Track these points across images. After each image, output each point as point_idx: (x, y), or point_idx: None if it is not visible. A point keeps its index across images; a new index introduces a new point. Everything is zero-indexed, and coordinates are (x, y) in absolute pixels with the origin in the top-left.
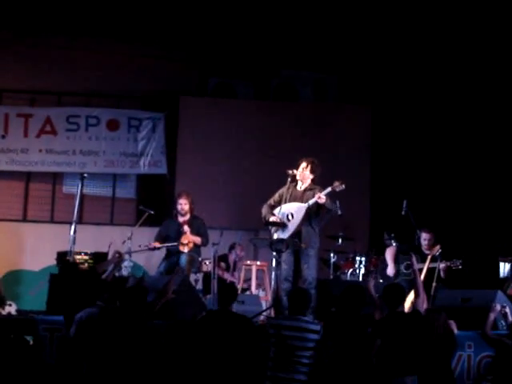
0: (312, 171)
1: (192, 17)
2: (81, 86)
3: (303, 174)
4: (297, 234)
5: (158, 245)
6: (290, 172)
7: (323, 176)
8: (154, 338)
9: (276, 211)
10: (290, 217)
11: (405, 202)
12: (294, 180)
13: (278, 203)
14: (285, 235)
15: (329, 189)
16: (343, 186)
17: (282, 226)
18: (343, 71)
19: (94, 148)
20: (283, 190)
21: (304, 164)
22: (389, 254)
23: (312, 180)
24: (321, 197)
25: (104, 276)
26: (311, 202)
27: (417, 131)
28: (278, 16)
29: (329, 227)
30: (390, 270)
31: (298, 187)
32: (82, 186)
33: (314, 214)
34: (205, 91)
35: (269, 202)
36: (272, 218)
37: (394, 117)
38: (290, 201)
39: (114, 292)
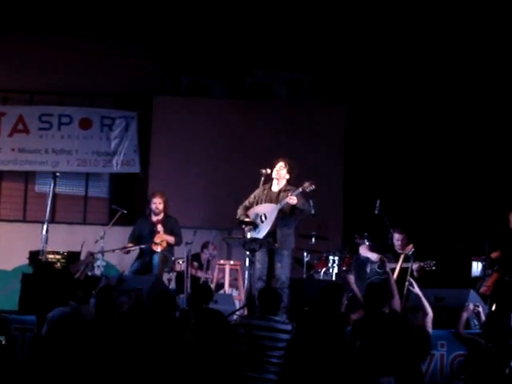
0: (289, 171)
1: (165, 16)
2: (54, 84)
3: (279, 174)
4: (272, 234)
5: (131, 247)
6: (264, 171)
7: (297, 175)
8: (129, 337)
9: (249, 212)
10: (263, 218)
11: (378, 202)
12: (268, 180)
13: (254, 204)
14: (259, 236)
15: (299, 189)
16: (313, 186)
17: (254, 225)
18: (316, 71)
19: (67, 147)
20: (259, 191)
21: (281, 163)
22: (364, 249)
23: (287, 180)
24: (291, 198)
25: (77, 275)
26: (282, 203)
27: (390, 131)
28: (252, 15)
29: (302, 226)
30: (375, 257)
31: (274, 188)
32: (54, 185)
33: (287, 214)
34: (178, 90)
35: (244, 204)
36: (246, 219)
37: (368, 116)
38: (265, 202)
39: (87, 291)
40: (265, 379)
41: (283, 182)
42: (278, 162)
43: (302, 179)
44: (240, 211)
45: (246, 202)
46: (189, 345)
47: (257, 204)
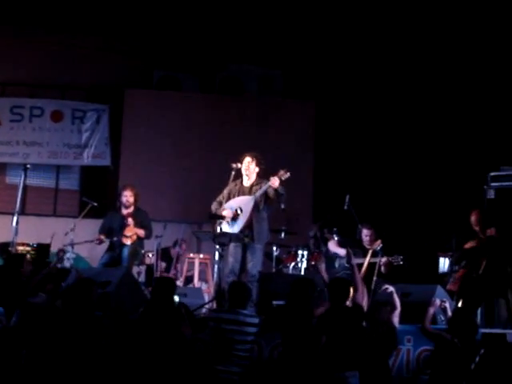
0: (257, 164)
1: (138, 9)
2: (25, 76)
3: (249, 169)
4: (248, 227)
5: (102, 239)
6: (234, 166)
7: (267, 169)
8: (97, 330)
9: (224, 207)
10: (238, 211)
11: (347, 197)
12: (239, 174)
13: (226, 200)
14: (235, 229)
15: (275, 178)
16: (288, 173)
17: (223, 218)
18: (288, 66)
19: (38, 139)
20: (231, 186)
21: (249, 158)
22: (333, 244)
23: (257, 174)
24: (275, 179)
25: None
26: (258, 192)
27: (360, 127)
28: (225, 10)
29: (272, 221)
30: (342, 252)
31: (245, 183)
32: (25, 177)
33: (262, 206)
34: (150, 84)
35: (218, 199)
36: (224, 213)
37: (338, 112)
38: (238, 196)
39: (56, 283)
40: (231, 372)
41: (253, 177)
42: (245, 157)
43: (270, 174)
44: (214, 206)
45: (220, 197)
46: (182, 337)
47: (229, 199)
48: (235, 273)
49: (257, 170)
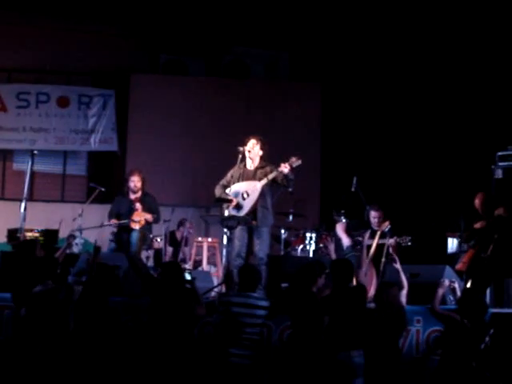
0: (261, 148)
1: None
2: (31, 62)
3: (254, 152)
4: (252, 212)
5: (112, 223)
6: (241, 149)
7: (274, 153)
8: (113, 314)
9: (227, 191)
10: (244, 195)
11: (354, 179)
12: (244, 158)
13: (230, 183)
14: (240, 214)
15: (286, 164)
16: (300, 161)
17: (231, 202)
18: (294, 48)
19: (45, 125)
20: (234, 169)
21: (254, 141)
22: (340, 229)
23: (261, 157)
24: (286, 166)
25: (56, 255)
26: (270, 176)
27: (366, 108)
28: None
29: (279, 204)
30: (346, 242)
31: (249, 166)
32: (32, 163)
33: (267, 191)
34: (156, 68)
35: (221, 183)
36: (224, 196)
37: (344, 94)
38: (241, 180)
39: (64, 269)
40: (243, 355)
41: (257, 160)
42: (250, 139)
43: (280, 157)
44: (218, 190)
45: (224, 181)
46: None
47: (233, 183)
48: (242, 256)
49: (260, 153)
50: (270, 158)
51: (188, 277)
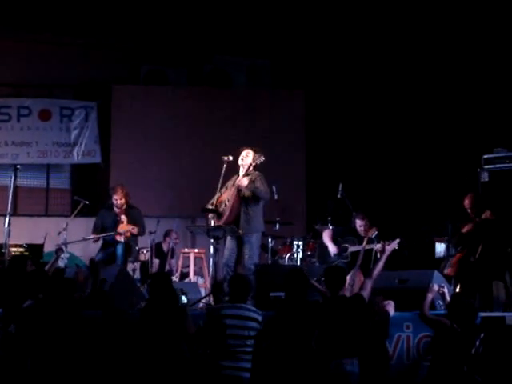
0: (254, 159)
1: (122, 4)
2: (11, 76)
3: (245, 161)
4: (236, 219)
5: (96, 237)
6: (226, 158)
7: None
8: (88, 328)
9: (213, 200)
10: (226, 202)
11: (340, 186)
12: (231, 168)
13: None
14: (220, 222)
15: (243, 179)
16: (262, 157)
17: (217, 213)
18: (276, 56)
19: (27, 139)
20: (228, 183)
21: (247, 151)
22: (326, 236)
23: (253, 166)
24: (240, 180)
25: (46, 268)
26: (235, 186)
27: (351, 114)
28: (210, 1)
29: (266, 212)
30: (332, 249)
31: (241, 175)
32: (15, 178)
33: (249, 198)
34: (137, 79)
35: (216, 195)
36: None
37: (328, 100)
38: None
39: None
40: (240, 368)
41: (246, 169)
42: (243, 150)
43: (261, 166)
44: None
45: (215, 197)
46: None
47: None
48: (229, 265)
49: (252, 163)
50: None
51: (184, 300)
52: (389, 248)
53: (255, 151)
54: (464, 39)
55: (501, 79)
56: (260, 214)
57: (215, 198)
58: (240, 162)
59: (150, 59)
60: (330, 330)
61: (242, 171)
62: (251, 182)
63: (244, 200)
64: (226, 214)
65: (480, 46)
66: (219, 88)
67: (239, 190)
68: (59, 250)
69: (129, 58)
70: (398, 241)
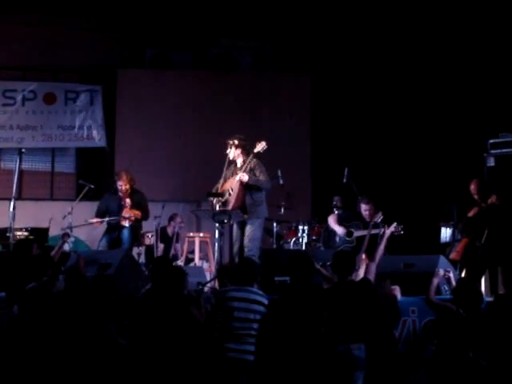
0: (238, 146)
1: None
2: (17, 60)
3: (234, 155)
4: (242, 206)
5: (101, 220)
6: (231, 142)
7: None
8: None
9: (218, 185)
10: (230, 191)
11: (346, 170)
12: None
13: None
14: (227, 208)
15: (251, 155)
16: (264, 144)
17: (222, 196)
18: (282, 40)
19: (32, 122)
20: (227, 172)
21: (228, 146)
22: (332, 220)
23: (242, 153)
24: (242, 175)
25: (52, 253)
26: (237, 178)
27: (356, 98)
28: None
29: (271, 197)
30: (340, 231)
31: (239, 164)
32: (20, 162)
33: (252, 187)
34: (142, 63)
35: (216, 186)
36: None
37: (334, 84)
38: (232, 177)
39: (56, 267)
40: (245, 351)
41: (241, 158)
42: (227, 146)
43: (269, 148)
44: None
45: (218, 185)
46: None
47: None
48: (234, 251)
49: (238, 151)
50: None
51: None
52: (387, 232)
53: (234, 142)
54: (470, 23)
55: (507, 64)
56: (264, 200)
57: (219, 184)
58: (232, 155)
59: (156, 43)
60: (338, 315)
61: (239, 162)
62: (251, 172)
63: (248, 189)
64: (232, 202)
65: (486, 28)
66: (225, 72)
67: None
68: (65, 235)
69: (134, 42)
70: (395, 224)
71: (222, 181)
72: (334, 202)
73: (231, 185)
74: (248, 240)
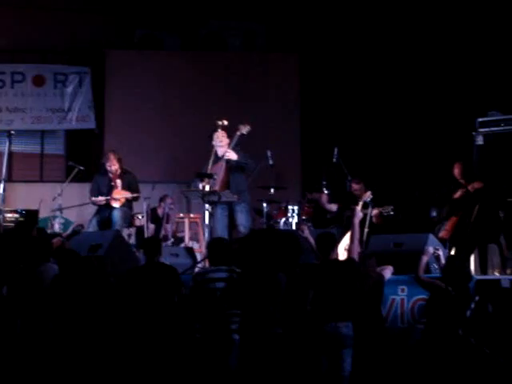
0: (225, 128)
1: None
2: (5, 42)
3: (224, 142)
4: (226, 188)
5: (102, 199)
6: (220, 123)
7: (253, 126)
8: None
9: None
10: (215, 176)
11: (336, 150)
12: (226, 130)
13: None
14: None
15: (236, 137)
16: (247, 126)
17: (211, 177)
18: (271, 20)
19: (21, 105)
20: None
21: (218, 134)
22: (323, 200)
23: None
24: (228, 152)
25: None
26: (225, 156)
27: (345, 78)
28: None
29: (261, 177)
30: (333, 208)
31: (219, 153)
32: (9, 144)
33: (237, 169)
34: (131, 44)
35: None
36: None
37: (323, 64)
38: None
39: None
40: (232, 330)
41: (226, 143)
42: (215, 134)
43: (260, 128)
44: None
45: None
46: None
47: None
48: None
49: (224, 133)
50: (250, 131)
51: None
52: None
53: (221, 132)
54: (456, 4)
55: (494, 42)
56: (246, 183)
57: (208, 165)
58: (219, 143)
59: (144, 24)
60: (324, 294)
61: (220, 151)
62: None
63: (231, 172)
64: (217, 187)
65: (473, 9)
66: (214, 52)
67: (227, 161)
68: (79, 225)
69: (123, 23)
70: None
71: (210, 162)
72: (324, 183)
73: (215, 169)
74: (243, 228)
